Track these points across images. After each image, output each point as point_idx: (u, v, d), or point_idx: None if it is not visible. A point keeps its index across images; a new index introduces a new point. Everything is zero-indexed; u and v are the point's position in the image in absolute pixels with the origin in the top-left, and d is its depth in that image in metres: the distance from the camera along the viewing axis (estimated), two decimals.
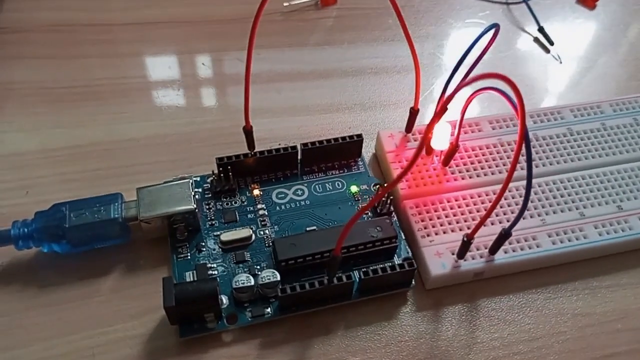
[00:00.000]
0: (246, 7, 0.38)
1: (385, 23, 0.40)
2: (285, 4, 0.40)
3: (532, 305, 0.27)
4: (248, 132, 0.28)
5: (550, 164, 0.31)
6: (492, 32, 0.25)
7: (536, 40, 0.40)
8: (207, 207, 0.29)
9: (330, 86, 0.36)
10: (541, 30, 0.40)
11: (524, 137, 0.22)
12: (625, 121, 0.33)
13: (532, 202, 0.29)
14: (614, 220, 0.29)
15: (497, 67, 0.37)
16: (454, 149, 0.29)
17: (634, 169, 0.31)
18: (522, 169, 0.30)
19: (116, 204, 0.27)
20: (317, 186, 0.30)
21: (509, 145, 0.31)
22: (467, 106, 0.26)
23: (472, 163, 0.31)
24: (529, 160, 0.22)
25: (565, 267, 0.29)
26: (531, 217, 0.29)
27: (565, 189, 0.30)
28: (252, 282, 0.25)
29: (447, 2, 0.42)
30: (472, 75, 0.22)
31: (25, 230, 0.26)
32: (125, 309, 0.26)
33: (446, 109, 0.28)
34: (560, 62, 0.39)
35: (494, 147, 0.31)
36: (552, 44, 0.40)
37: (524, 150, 0.22)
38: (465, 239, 0.25)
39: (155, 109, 0.34)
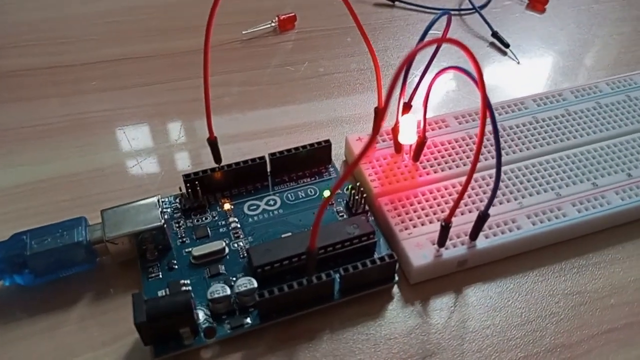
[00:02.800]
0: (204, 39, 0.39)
1: (344, 41, 0.41)
2: (243, 32, 0.41)
3: (520, 290, 0.27)
4: (213, 142, 0.28)
5: (520, 151, 0.31)
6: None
7: (492, 44, 0.41)
8: (177, 225, 0.28)
9: (295, 103, 0.36)
10: (495, 34, 0.41)
11: (487, 106, 0.22)
12: (588, 105, 0.33)
13: (507, 187, 0.29)
14: (590, 197, 0.28)
15: (455, 73, 0.37)
16: (422, 142, 0.29)
17: (603, 147, 0.31)
18: (490, 154, 0.30)
19: (80, 227, 0.26)
20: (289, 195, 0.29)
21: (477, 137, 0.31)
22: (429, 92, 0.26)
23: (442, 157, 0.30)
24: (494, 125, 0.22)
25: (550, 248, 0.28)
26: (508, 201, 0.28)
27: (538, 172, 0.29)
28: (229, 292, 0.24)
29: (402, 18, 0.43)
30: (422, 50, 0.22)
31: None
32: (96, 337, 0.25)
33: (410, 105, 0.29)
34: (518, 62, 0.40)
35: (463, 140, 0.31)
36: (507, 46, 0.41)
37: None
38: (443, 224, 0.25)
39: (120, 139, 0.33)
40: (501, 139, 0.31)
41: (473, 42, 0.41)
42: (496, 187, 0.23)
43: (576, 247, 0.28)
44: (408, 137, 0.29)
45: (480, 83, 0.21)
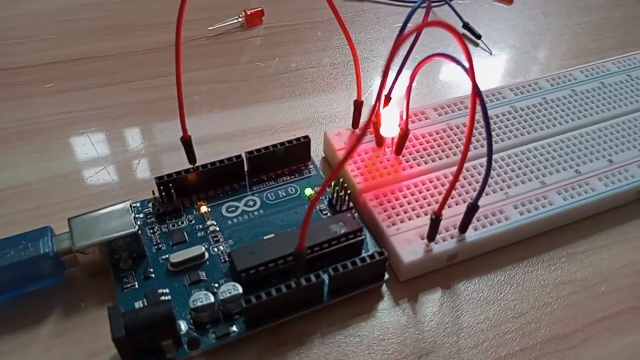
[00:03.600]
0: (168, 36, 0.38)
1: (314, 36, 0.40)
2: (209, 28, 0.39)
3: (511, 282, 0.26)
4: (187, 142, 0.26)
5: (502, 140, 0.30)
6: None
7: (463, 36, 0.41)
8: (152, 231, 0.26)
9: (268, 99, 0.35)
10: (466, 26, 0.41)
11: (477, 93, 0.21)
12: (564, 93, 0.33)
13: (492, 177, 0.28)
14: (575, 184, 0.28)
15: (430, 65, 0.36)
16: (404, 134, 0.28)
17: (583, 134, 0.31)
18: (476, 148, 0.29)
19: (45, 237, 0.24)
20: (269, 194, 0.28)
21: (457, 128, 0.31)
22: (412, 82, 0.26)
23: (424, 149, 0.30)
24: (485, 113, 0.21)
25: (538, 238, 0.28)
26: (494, 192, 0.28)
27: (521, 161, 0.29)
28: (212, 299, 0.23)
29: (372, 12, 0.43)
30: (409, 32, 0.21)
31: None
32: (69, 355, 0.23)
33: (390, 97, 0.28)
34: (490, 53, 0.39)
35: (444, 131, 0.30)
36: (479, 37, 0.40)
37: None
38: (433, 216, 0.24)
39: (83, 143, 0.31)
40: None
41: (444, 33, 0.40)
42: (487, 177, 0.23)
43: (563, 235, 0.28)
44: (390, 129, 0.28)
45: (470, 70, 0.21)
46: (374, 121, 0.28)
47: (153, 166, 0.30)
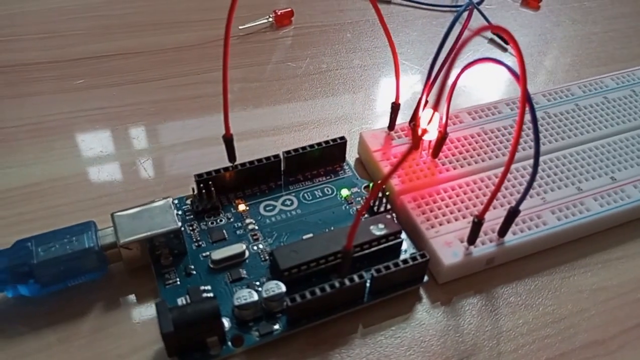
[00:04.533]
0: (197, 34, 0.38)
1: (344, 37, 0.40)
2: (240, 27, 0.39)
3: (549, 287, 0.26)
4: (228, 140, 0.26)
5: None
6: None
7: (491, 41, 0.41)
8: (191, 228, 0.26)
9: (300, 99, 0.35)
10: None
11: (528, 100, 0.21)
12: (596, 100, 0.33)
13: None
14: (610, 191, 0.28)
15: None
16: (442, 137, 0.28)
17: (616, 142, 0.31)
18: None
19: (90, 232, 0.24)
20: (305, 194, 0.28)
21: (492, 132, 0.31)
22: (454, 86, 0.26)
23: (460, 153, 0.30)
24: (534, 118, 0.21)
25: (574, 244, 0.28)
26: (531, 197, 0.28)
27: (557, 167, 0.29)
28: (256, 297, 0.23)
29: (400, 15, 0.43)
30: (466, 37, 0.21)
31: None
32: (111, 350, 0.23)
33: (427, 101, 0.28)
34: None
35: (479, 135, 0.31)
36: (507, 42, 0.40)
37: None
38: (475, 220, 0.24)
39: (119, 139, 0.31)
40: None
41: (473, 38, 0.41)
42: (531, 182, 0.23)
43: (599, 241, 0.28)
44: (429, 132, 0.28)
45: (522, 76, 0.21)
46: (414, 125, 0.29)
47: (188, 163, 0.30)
